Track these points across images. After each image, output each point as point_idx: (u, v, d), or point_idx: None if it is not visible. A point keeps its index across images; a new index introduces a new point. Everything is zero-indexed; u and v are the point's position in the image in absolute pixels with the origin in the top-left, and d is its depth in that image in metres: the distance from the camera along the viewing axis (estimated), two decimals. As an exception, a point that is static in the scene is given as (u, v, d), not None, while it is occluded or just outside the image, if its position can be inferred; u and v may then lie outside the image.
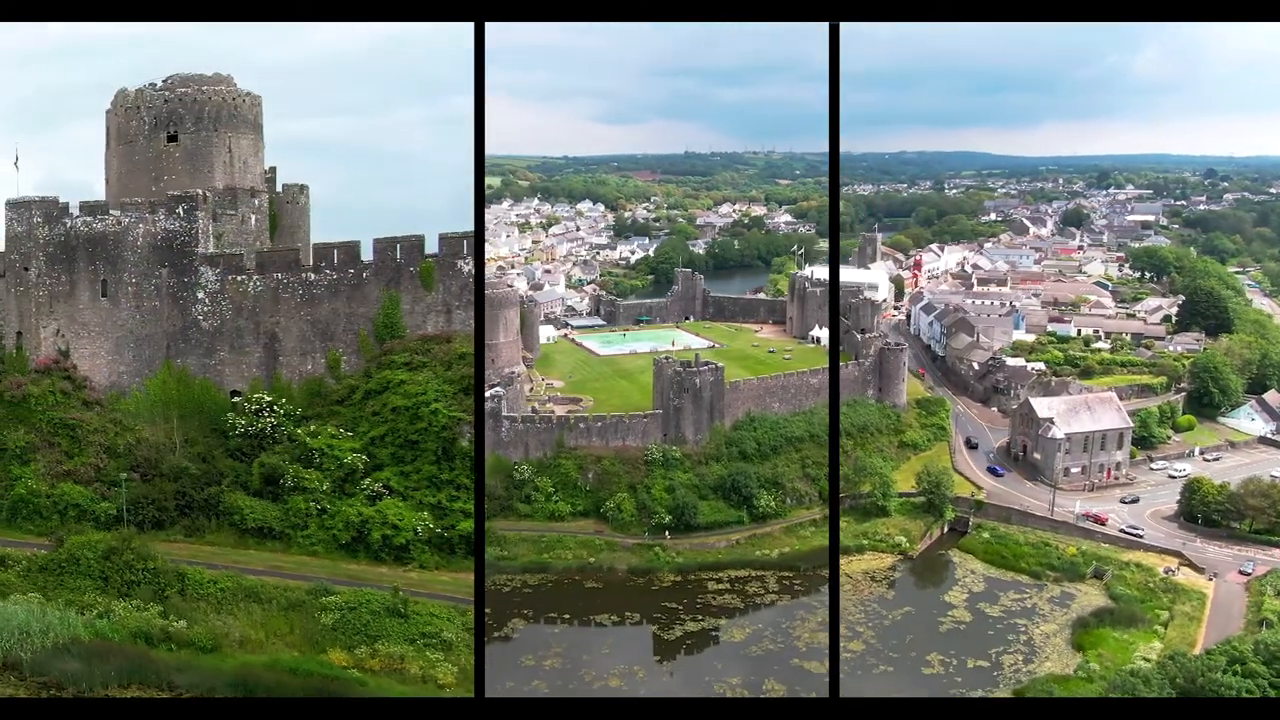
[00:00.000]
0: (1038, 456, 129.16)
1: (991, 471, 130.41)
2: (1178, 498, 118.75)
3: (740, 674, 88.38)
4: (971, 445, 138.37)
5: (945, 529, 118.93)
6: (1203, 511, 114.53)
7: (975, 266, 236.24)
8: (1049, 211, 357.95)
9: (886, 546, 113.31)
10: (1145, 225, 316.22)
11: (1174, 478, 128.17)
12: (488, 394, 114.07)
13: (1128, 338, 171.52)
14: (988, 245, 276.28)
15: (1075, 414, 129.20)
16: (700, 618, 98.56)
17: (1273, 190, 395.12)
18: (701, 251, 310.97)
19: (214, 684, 67.60)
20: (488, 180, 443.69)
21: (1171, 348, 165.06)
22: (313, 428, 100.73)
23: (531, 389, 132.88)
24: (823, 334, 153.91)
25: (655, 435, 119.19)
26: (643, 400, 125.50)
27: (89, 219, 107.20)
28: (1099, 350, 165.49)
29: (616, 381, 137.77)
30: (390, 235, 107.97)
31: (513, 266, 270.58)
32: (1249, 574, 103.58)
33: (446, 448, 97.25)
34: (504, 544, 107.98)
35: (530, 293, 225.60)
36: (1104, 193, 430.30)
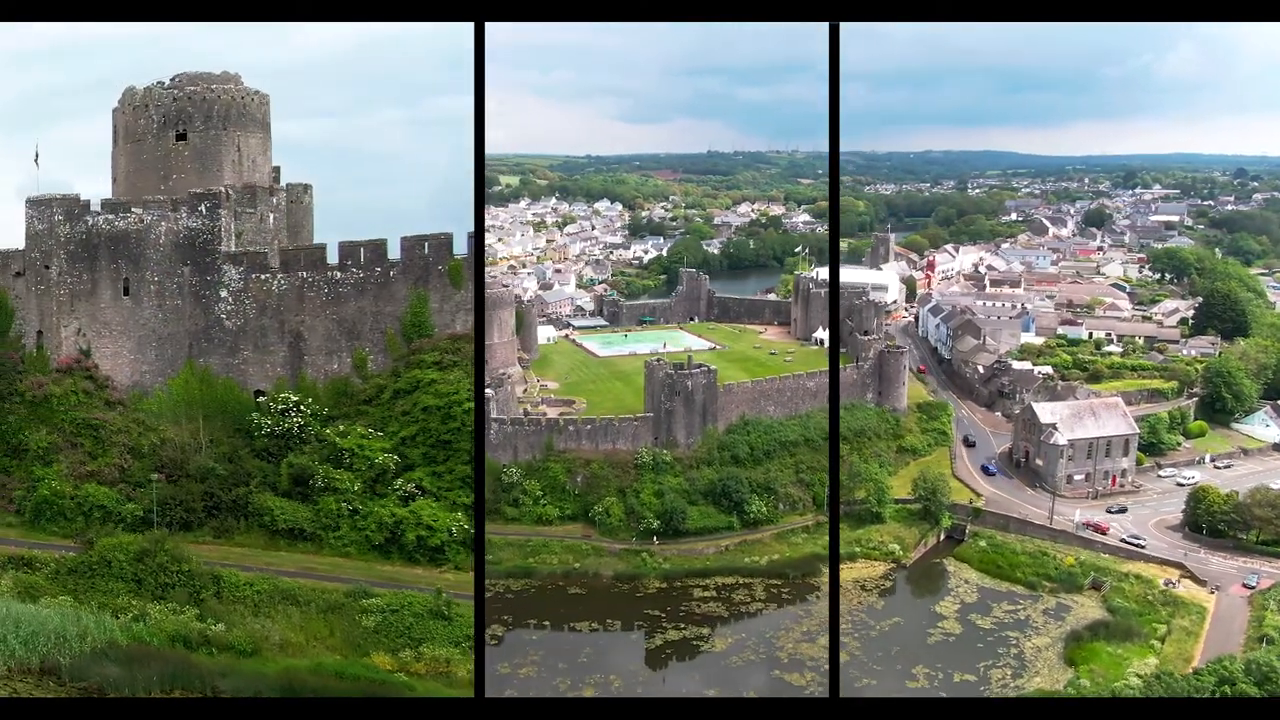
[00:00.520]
0: (1040, 463, 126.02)
1: (984, 470, 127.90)
2: (1183, 506, 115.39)
3: (718, 685, 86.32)
4: (969, 444, 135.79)
5: (942, 537, 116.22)
6: (1208, 521, 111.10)
7: (990, 267, 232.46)
8: (1071, 211, 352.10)
9: (879, 554, 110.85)
10: (1169, 226, 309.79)
11: (1182, 485, 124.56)
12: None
13: (1140, 341, 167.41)
14: (1004, 246, 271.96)
15: (1079, 419, 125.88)
16: (682, 626, 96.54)
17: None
18: (716, 251, 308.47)
19: (259, 688, 65.97)
20: (505, 180, 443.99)
21: (1186, 351, 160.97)
22: (341, 428, 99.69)
23: (525, 390, 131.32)
24: (826, 336, 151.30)
25: (646, 438, 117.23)
26: (637, 403, 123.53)
27: (111, 217, 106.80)
28: (1110, 354, 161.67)
29: (612, 383, 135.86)
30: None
31: (524, 266, 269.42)
32: (1253, 587, 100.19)
33: None
34: (490, 548, 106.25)
35: (539, 292, 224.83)
36: (1129, 193, 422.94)
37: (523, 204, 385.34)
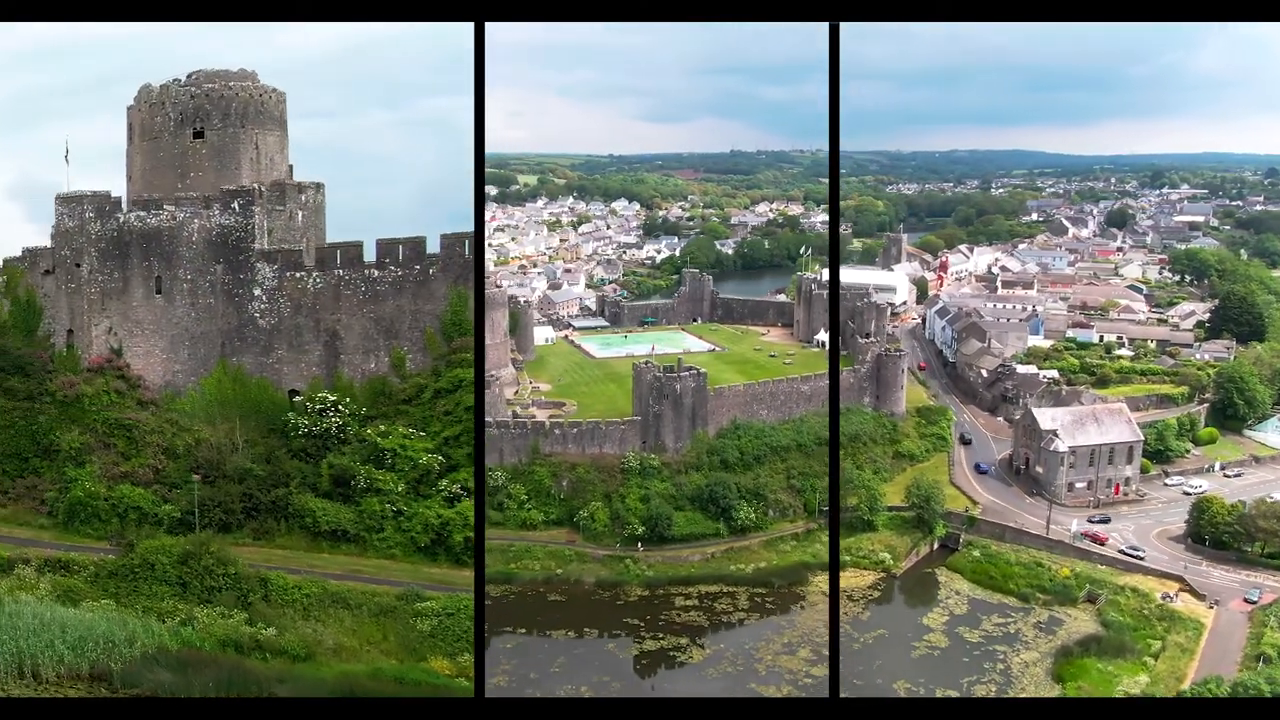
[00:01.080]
0: (1040, 470, 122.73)
1: (978, 469, 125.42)
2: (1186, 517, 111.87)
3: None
4: (965, 441, 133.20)
5: (935, 545, 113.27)
6: (1211, 533, 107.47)
7: (1004, 268, 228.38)
8: (1093, 212, 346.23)
9: (869, 563, 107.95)
10: (1193, 226, 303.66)
11: (1189, 494, 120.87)
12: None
13: (1153, 345, 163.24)
14: (1021, 246, 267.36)
15: (1081, 426, 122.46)
16: (661, 636, 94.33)
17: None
18: (730, 251, 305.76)
19: (317, 694, 64.39)
20: (523, 179, 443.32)
21: (1198, 355, 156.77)
22: (382, 428, 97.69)
23: (516, 392, 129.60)
24: (827, 338, 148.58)
25: (634, 442, 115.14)
26: (629, 405, 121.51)
27: (142, 214, 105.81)
28: (1119, 358, 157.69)
29: (606, 385, 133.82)
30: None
31: (535, 265, 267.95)
32: (1254, 602, 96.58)
33: None
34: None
35: (548, 292, 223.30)
36: (1155, 192, 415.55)
37: (539, 203, 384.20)
